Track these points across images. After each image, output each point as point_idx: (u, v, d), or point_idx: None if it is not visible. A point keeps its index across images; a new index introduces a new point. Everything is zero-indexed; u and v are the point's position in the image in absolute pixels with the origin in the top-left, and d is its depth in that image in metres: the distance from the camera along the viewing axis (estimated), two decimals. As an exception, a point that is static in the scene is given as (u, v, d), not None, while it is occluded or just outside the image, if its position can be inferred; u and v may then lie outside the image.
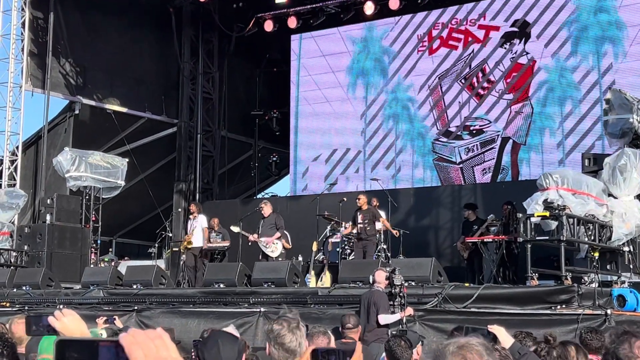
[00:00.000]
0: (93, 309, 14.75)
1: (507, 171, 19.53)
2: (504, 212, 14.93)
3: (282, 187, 31.46)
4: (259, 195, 25.22)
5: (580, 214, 12.18)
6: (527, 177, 18.67)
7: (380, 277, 11.18)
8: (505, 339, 5.67)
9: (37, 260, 18.24)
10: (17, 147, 21.03)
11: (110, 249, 23.14)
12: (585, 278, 12.07)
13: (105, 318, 10.18)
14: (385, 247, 15.90)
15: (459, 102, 20.33)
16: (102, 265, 19.37)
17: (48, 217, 18.65)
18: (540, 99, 19.32)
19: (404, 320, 10.81)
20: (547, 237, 12.12)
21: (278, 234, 16.10)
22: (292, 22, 21.78)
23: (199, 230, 17.14)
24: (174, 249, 20.50)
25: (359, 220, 15.70)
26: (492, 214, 15.34)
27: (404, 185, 20.64)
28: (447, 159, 20.40)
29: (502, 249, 14.22)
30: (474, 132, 20.10)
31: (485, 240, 14.69)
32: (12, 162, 20.97)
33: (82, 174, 18.90)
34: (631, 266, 12.66)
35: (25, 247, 18.43)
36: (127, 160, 20.28)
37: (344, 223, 16.75)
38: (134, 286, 15.38)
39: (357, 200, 16.05)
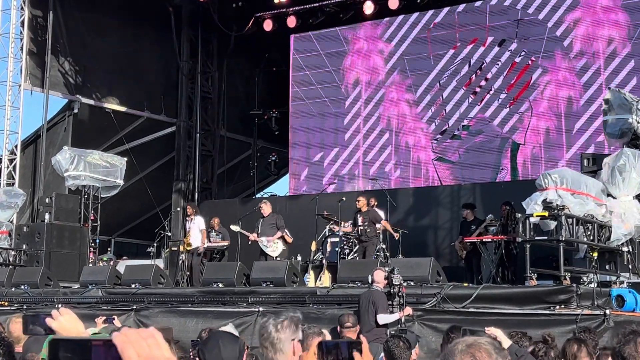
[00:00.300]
0: (91, 308, 14.76)
1: (505, 171, 19.52)
2: (503, 212, 14.92)
3: (281, 187, 31.52)
4: (258, 195, 25.20)
5: (579, 214, 12.16)
6: (526, 177, 18.66)
7: (379, 276, 11.17)
8: (503, 340, 5.67)
9: (35, 259, 18.23)
10: (16, 146, 21.01)
11: (109, 248, 23.12)
12: (584, 278, 12.06)
13: (104, 318, 10.16)
14: (384, 246, 15.90)
15: (457, 101, 20.30)
16: (101, 264, 19.36)
17: (47, 216, 18.64)
18: (537, 101, 19.29)
19: (403, 320, 10.81)
20: (546, 237, 12.10)
21: (279, 234, 16.11)
22: (291, 22, 21.77)
23: (196, 232, 17.10)
24: (173, 249, 20.50)
25: (359, 222, 15.70)
26: (491, 214, 15.33)
27: (403, 184, 20.64)
28: (446, 158, 20.39)
29: (501, 249, 14.21)
30: (473, 131, 20.09)
31: (484, 240, 14.67)
32: (11, 161, 20.96)
33: (81, 173, 18.90)
34: (630, 266, 12.65)
35: (24, 246, 18.42)
36: (126, 159, 20.28)
37: (343, 222, 16.74)
38: (133, 285, 15.38)
39: (357, 202, 16.06)
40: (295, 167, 22.83)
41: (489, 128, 19.90)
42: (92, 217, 19.27)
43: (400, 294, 10.89)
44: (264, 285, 13.79)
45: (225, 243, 18.06)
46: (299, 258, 17.36)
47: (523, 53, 19.58)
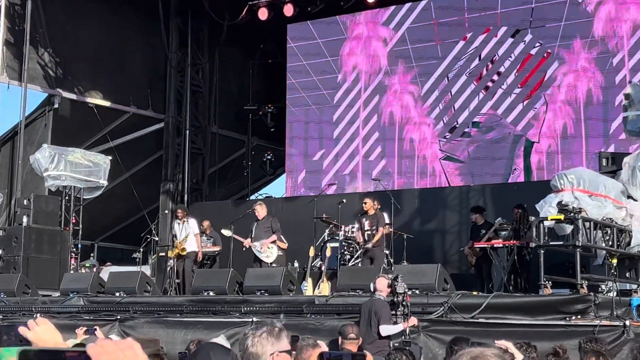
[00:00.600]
0: (72, 318, 14.78)
1: (518, 171, 19.53)
2: (515, 215, 14.93)
3: (277, 188, 31.51)
4: (252, 197, 25.18)
5: (597, 218, 12.16)
6: (541, 178, 18.67)
7: (381, 284, 11.19)
8: (515, 354, 5.68)
9: (12, 266, 18.21)
10: (-8, 144, 21.04)
11: (92, 254, 23.12)
12: (603, 286, 12.07)
13: (85, 328, 10.16)
14: (387, 252, 15.90)
15: (467, 96, 20.32)
16: (83, 271, 19.34)
17: (25, 219, 18.62)
18: (554, 92, 19.29)
19: (407, 332, 10.82)
20: (561, 243, 12.11)
21: (274, 237, 16.10)
22: (288, 10, 21.75)
23: (190, 236, 17.05)
24: (161, 254, 20.48)
25: (366, 227, 15.67)
26: (500, 217, 15.32)
27: (408, 185, 20.65)
28: (455, 157, 20.40)
29: (513, 255, 14.22)
30: (483, 128, 20.10)
31: (495, 245, 14.68)
32: (-14, 159, 20.97)
33: (62, 173, 18.89)
34: (652, 274, 12.67)
35: (0, 252, 18.41)
36: (110, 158, 20.26)
37: (343, 227, 16.74)
38: (117, 294, 15.40)
39: (363, 204, 16.01)
40: (292, 167, 22.84)
41: (500, 125, 19.91)
42: (74, 220, 19.25)
43: (404, 303, 10.91)
44: (258, 293, 13.80)
45: (217, 248, 18.07)
46: (296, 264, 17.36)
47: (538, 45, 19.56)
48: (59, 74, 21.93)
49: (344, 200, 17.61)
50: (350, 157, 21.78)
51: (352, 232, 16.49)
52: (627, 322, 10.43)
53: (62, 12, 21.87)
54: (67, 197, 19.36)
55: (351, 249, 16.44)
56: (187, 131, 23.77)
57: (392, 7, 21.55)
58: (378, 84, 21.67)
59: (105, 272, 18.26)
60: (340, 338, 10.06)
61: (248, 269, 14.80)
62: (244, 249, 16.37)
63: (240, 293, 14.15)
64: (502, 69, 20.00)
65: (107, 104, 22.78)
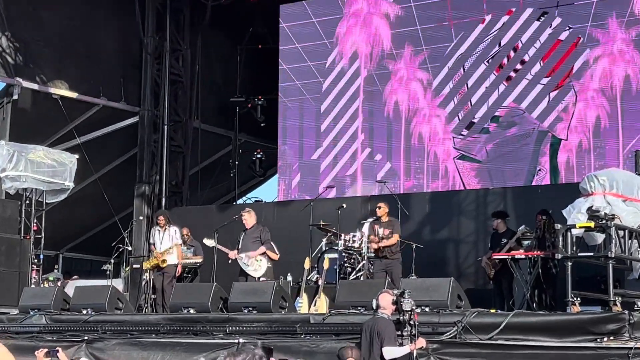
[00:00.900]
0: (33, 339, 14.77)
1: (544, 172, 19.53)
2: (539, 223, 14.91)
3: (267, 191, 31.54)
4: (240, 201, 25.25)
5: (633, 225, 12.15)
6: (569, 180, 18.66)
7: (385, 301, 11.15)
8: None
9: (-35, 279, 18.23)
10: (-58, 140, 21.01)
11: (56, 266, 23.12)
12: (639, 304, 12.04)
13: (45, 350, 10.13)
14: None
15: (486, 87, 20.32)
16: (46, 285, 19.35)
17: (-21, 226, 18.65)
18: (585, 79, 19.25)
19: (415, 355, 10.79)
20: (591, 254, 12.10)
21: (262, 249, 16.07)
22: (280, -12, 21.85)
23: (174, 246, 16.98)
24: (134, 266, 20.49)
25: (382, 235, 15.62)
26: (524, 225, 15.31)
27: (417, 188, 20.64)
28: (471, 156, 20.40)
29: (537, 268, 14.19)
30: (504, 123, 20.09)
31: (516, 256, 14.66)
32: (-64, 158, 20.93)
33: (22, 174, 18.87)
34: (695, 289, 12.65)
35: (-49, 263, 18.41)
36: (77, 156, 20.26)
37: (343, 235, 16.73)
38: (84, 311, 15.38)
39: (377, 209, 15.95)
40: (285, 167, 22.84)
41: (523, 119, 19.90)
42: (35, 228, 19.23)
43: (411, 322, 10.87)
44: (246, 311, 13.79)
45: (198, 259, 18.04)
46: (290, 278, 17.34)
47: (568, 29, 19.51)
48: (18, 61, 21.91)
49: (344, 205, 17.60)
50: (351, 155, 21.76)
51: (354, 241, 16.46)
52: (667, 344, 10.41)
53: (23, -10, 21.88)
54: (27, 201, 19.33)
55: (352, 260, 16.42)
56: (166, 126, 23.78)
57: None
58: (381, 69, 21.63)
59: (71, 287, 18.25)
60: (338, 363, 10.06)
61: (234, 283, 14.78)
62: (229, 261, 16.33)
63: (225, 310, 14.14)
64: (526, 57, 19.95)
65: (73, 95, 22.78)
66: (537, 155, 19.69)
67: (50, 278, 20.53)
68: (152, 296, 17.04)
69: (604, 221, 11.72)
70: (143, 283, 18.05)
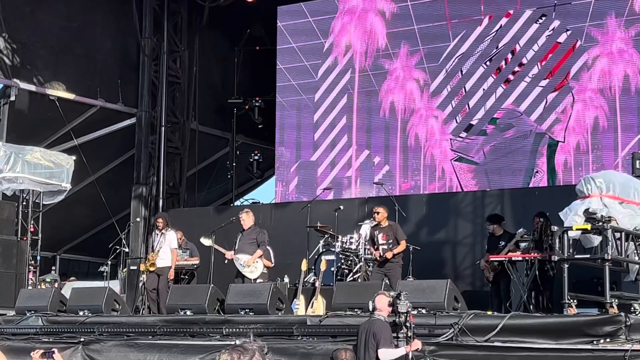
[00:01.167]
0: (30, 340, 14.76)
1: (541, 174, 19.54)
2: (536, 225, 14.92)
3: (265, 192, 31.44)
4: (237, 202, 25.22)
5: (629, 228, 12.15)
6: (568, 181, 18.67)
7: (381, 303, 11.16)
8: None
9: (-39, 281, 18.22)
10: (-61, 141, 21.01)
11: (53, 267, 23.11)
12: (636, 306, 12.04)
13: (42, 351, 10.13)
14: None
15: (484, 90, 20.32)
16: (42, 286, 19.34)
17: (-25, 227, 18.65)
18: (583, 79, 19.22)
19: (411, 356, 10.80)
20: (588, 256, 12.10)
21: (260, 252, 16.08)
22: (278, -10, 21.87)
23: (166, 249, 16.97)
24: (132, 268, 20.48)
25: (381, 241, 15.55)
26: (523, 228, 15.32)
27: (415, 190, 20.64)
28: (468, 158, 20.40)
29: (534, 270, 14.20)
30: (501, 125, 20.10)
31: (513, 258, 14.67)
32: None
33: (18, 175, 18.86)
34: (692, 291, 12.66)
35: (-53, 265, 18.40)
36: (74, 158, 20.25)
37: (340, 237, 16.73)
38: (81, 313, 15.35)
39: (375, 215, 15.84)
40: (282, 169, 22.84)
41: (520, 121, 19.91)
42: (32, 229, 19.23)
43: (407, 324, 10.88)
44: (242, 313, 13.78)
45: (195, 261, 18.03)
46: (286, 280, 17.34)
47: (566, 30, 19.48)
48: (16, 62, 21.90)
49: (341, 207, 17.60)
50: (348, 156, 21.75)
51: (351, 242, 16.46)
52: (663, 347, 10.43)
53: (20, -9, 21.88)
54: (24, 203, 19.33)
55: (349, 262, 16.42)
56: (163, 128, 23.76)
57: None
58: (377, 68, 21.62)
59: (68, 288, 18.25)
60: (333, 364, 10.07)
61: (230, 284, 14.78)
62: (225, 261, 16.34)
63: (222, 312, 14.12)
64: (524, 60, 19.93)
65: (70, 96, 22.76)
66: (534, 157, 19.71)
67: (47, 279, 20.52)
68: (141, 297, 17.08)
69: (600, 223, 11.72)
70: (140, 285, 18.03)
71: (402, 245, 15.49)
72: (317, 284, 16.13)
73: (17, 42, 21.92)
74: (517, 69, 20.03)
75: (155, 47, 23.89)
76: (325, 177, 21.96)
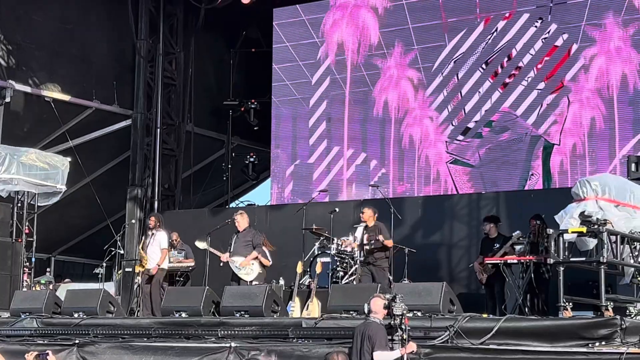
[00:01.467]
0: (24, 342, 14.71)
1: (536, 177, 19.53)
2: (532, 228, 14.91)
3: (260, 194, 31.43)
4: (233, 204, 25.21)
5: (625, 231, 12.16)
6: (563, 184, 18.65)
7: (376, 305, 11.15)
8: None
9: (-44, 283, 18.20)
10: None
11: (48, 269, 23.09)
12: (631, 309, 12.06)
13: (36, 353, 10.15)
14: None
15: (480, 93, 20.30)
16: (37, 288, 19.32)
17: (-30, 229, 18.63)
18: (580, 84, 19.19)
19: (406, 359, 10.79)
20: (583, 259, 12.10)
21: (255, 254, 16.08)
22: (274, -9, 21.87)
23: (156, 250, 16.96)
24: (127, 270, 20.46)
25: (365, 241, 15.62)
26: (519, 230, 15.32)
27: (410, 192, 20.64)
28: (464, 160, 20.40)
29: (529, 273, 14.20)
30: (497, 128, 20.09)
31: (508, 261, 14.67)
32: None
33: (14, 176, 18.85)
34: (687, 295, 12.67)
35: (-59, 267, 18.39)
36: (69, 159, 20.25)
37: (335, 239, 16.73)
38: (76, 315, 15.33)
39: (361, 215, 15.95)
40: (278, 171, 22.82)
41: (516, 124, 19.91)
42: (27, 231, 19.21)
43: (402, 326, 10.87)
44: (238, 315, 13.76)
45: (190, 263, 18.02)
46: (282, 282, 17.34)
47: (563, 33, 19.45)
48: (11, 63, 21.89)
49: (337, 209, 17.58)
50: (343, 158, 21.71)
51: (346, 245, 16.45)
52: (659, 350, 10.43)
53: (15, -7, 21.86)
54: (19, 204, 19.32)
55: (345, 264, 16.41)
56: (158, 129, 23.74)
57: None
58: (370, 68, 21.59)
59: (63, 290, 18.24)
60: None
61: (226, 287, 14.74)
62: (221, 264, 16.33)
63: (217, 314, 14.10)
64: (521, 63, 19.89)
65: (66, 97, 22.75)
66: (529, 160, 19.70)
67: (42, 281, 20.49)
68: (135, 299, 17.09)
69: (596, 226, 11.72)
70: (135, 287, 18.02)
71: (389, 242, 15.55)
72: (312, 286, 16.14)
73: (13, 44, 21.92)
74: (513, 72, 20.00)
75: (150, 49, 23.88)
76: (320, 179, 21.94)
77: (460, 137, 20.42)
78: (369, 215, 15.85)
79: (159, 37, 23.88)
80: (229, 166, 24.49)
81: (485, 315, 12.93)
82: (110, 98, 23.50)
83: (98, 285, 18.56)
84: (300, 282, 16.60)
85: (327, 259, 16.70)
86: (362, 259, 15.82)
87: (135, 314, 16.99)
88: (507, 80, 20.02)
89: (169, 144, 24.08)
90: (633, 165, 13.81)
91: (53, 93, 22.52)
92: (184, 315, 14.26)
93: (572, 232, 11.84)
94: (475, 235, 17.94)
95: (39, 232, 19.53)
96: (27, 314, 15.73)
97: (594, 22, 19.08)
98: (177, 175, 24.26)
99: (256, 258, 16.10)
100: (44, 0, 22.32)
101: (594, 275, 12.33)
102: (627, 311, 12.00)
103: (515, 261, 14.50)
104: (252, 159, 24.39)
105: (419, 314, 12.05)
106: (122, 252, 20.69)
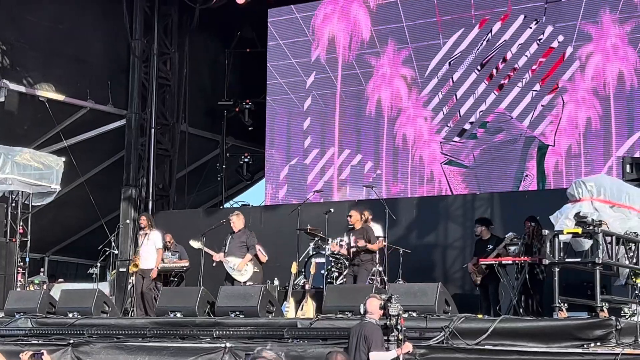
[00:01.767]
0: (19, 342, 14.69)
1: (531, 177, 19.54)
2: (527, 229, 14.94)
3: (255, 195, 31.42)
4: (227, 205, 25.18)
5: (620, 231, 12.19)
6: (558, 185, 18.67)
7: (372, 306, 11.17)
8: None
9: (-50, 282, 18.17)
10: None
11: (42, 269, 23.07)
12: (626, 310, 12.08)
13: (31, 353, 10.13)
14: (381, 269, 15.88)
15: (475, 95, 20.26)
16: (31, 288, 19.29)
17: (-36, 229, 18.60)
18: (575, 83, 19.16)
19: (401, 359, 10.79)
20: (579, 260, 12.12)
21: (249, 256, 16.09)
22: (269, -8, 21.87)
23: (151, 250, 16.97)
24: (121, 270, 20.43)
25: (352, 243, 15.65)
26: (511, 232, 15.33)
27: (404, 193, 20.64)
28: (458, 161, 20.41)
29: (524, 274, 14.22)
30: (491, 129, 20.09)
31: (503, 262, 14.68)
32: None
33: (8, 176, 18.81)
34: (682, 296, 12.69)
35: None
36: (63, 159, 20.21)
37: (330, 239, 16.73)
38: (70, 315, 15.32)
39: (348, 218, 15.97)
40: (272, 171, 22.81)
41: (510, 125, 19.92)
42: (21, 230, 19.18)
43: (398, 327, 10.88)
44: (233, 315, 13.76)
45: (184, 263, 18.02)
46: (276, 282, 17.32)
47: (560, 37, 19.43)
48: (5, 63, 21.86)
49: (332, 210, 17.57)
50: (338, 158, 21.70)
51: (341, 246, 16.46)
52: (654, 350, 10.45)
53: (9, -8, 21.83)
54: (13, 204, 19.27)
55: (339, 265, 16.42)
56: (153, 130, 23.70)
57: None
58: (362, 62, 21.57)
59: (57, 290, 18.21)
60: (325, 367, 10.04)
61: (221, 287, 14.76)
62: (214, 264, 16.33)
63: (212, 315, 14.10)
64: (516, 65, 19.86)
65: (60, 97, 22.72)
66: (524, 161, 19.70)
67: (36, 281, 20.44)
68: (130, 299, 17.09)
69: (591, 227, 11.75)
70: (129, 287, 18.01)
71: (373, 246, 15.56)
72: (307, 287, 16.16)
73: (7, 43, 21.89)
74: (509, 73, 19.98)
75: (145, 49, 23.84)
76: (315, 179, 21.93)
77: (456, 139, 20.41)
78: (356, 219, 15.88)
79: (154, 37, 23.84)
80: (224, 166, 24.45)
81: (480, 316, 12.96)
82: (105, 98, 23.47)
83: (92, 285, 18.55)
84: (295, 282, 16.61)
85: (322, 260, 16.72)
86: (349, 261, 15.84)
87: (130, 314, 16.98)
88: (503, 81, 20.00)
89: (164, 144, 24.05)
90: (628, 166, 13.83)
91: (47, 93, 22.49)
92: (179, 315, 14.26)
93: (568, 233, 11.88)
94: (469, 236, 17.94)
95: (33, 232, 19.49)
96: (22, 313, 15.71)
97: (590, 20, 19.00)
98: (171, 176, 24.23)
99: (251, 260, 16.11)
100: (39, 0, 22.27)
101: (588, 276, 12.37)
102: (622, 312, 12.03)
103: (510, 262, 14.54)
104: (246, 160, 24.36)
105: (414, 314, 12.06)
106: (116, 252, 20.66)
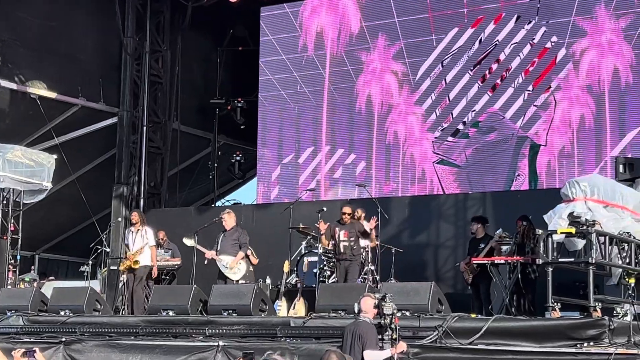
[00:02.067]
0: (10, 340, 14.64)
1: (523, 177, 19.56)
2: (519, 228, 14.94)
3: (247, 193, 31.48)
4: (219, 203, 25.17)
5: (614, 231, 12.19)
6: (551, 185, 18.70)
7: (367, 305, 11.17)
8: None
9: (-60, 280, 18.12)
10: None
11: (33, 267, 23.02)
12: (619, 309, 12.08)
13: (23, 350, 10.10)
14: (373, 268, 15.88)
15: (468, 96, 20.27)
16: (22, 286, 19.25)
17: (-45, 226, 18.56)
18: (569, 80, 19.16)
19: (396, 358, 10.79)
20: (572, 259, 12.11)
21: (242, 254, 16.09)
22: (262, -10, 21.86)
23: (145, 248, 16.94)
24: (112, 268, 20.40)
25: (342, 238, 15.60)
26: (501, 229, 15.32)
27: (396, 192, 20.64)
28: (450, 161, 20.42)
29: (516, 273, 14.23)
30: (483, 128, 20.10)
31: (495, 261, 14.69)
32: None
33: (-1, 173, 18.78)
34: (674, 296, 12.71)
35: None
36: (55, 157, 20.16)
37: (322, 238, 16.73)
38: (62, 312, 15.29)
39: (343, 215, 15.92)
40: (264, 169, 22.80)
41: (502, 124, 19.93)
42: (12, 228, 19.13)
43: (392, 326, 10.89)
44: (225, 314, 13.75)
45: (177, 261, 18.01)
46: (269, 281, 17.33)
47: (554, 38, 19.42)
48: (-4, 60, 21.83)
49: (324, 209, 17.57)
50: (331, 159, 21.71)
51: (333, 244, 16.44)
52: (646, 350, 10.47)
53: (0, -12, 21.77)
54: (4, 201, 19.23)
55: (331, 263, 16.41)
56: (145, 127, 23.68)
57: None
58: (351, 57, 21.56)
59: (48, 288, 18.16)
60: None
61: (213, 285, 14.76)
62: (205, 262, 16.31)
63: (205, 313, 14.09)
64: (509, 65, 19.86)
65: (52, 95, 22.68)
66: (516, 160, 19.71)
67: (27, 279, 20.40)
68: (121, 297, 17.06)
69: (584, 227, 11.74)
70: (120, 285, 17.97)
71: (371, 234, 15.57)
72: (299, 286, 16.16)
73: (-2, 40, 21.85)
74: (502, 74, 19.97)
75: (137, 47, 23.82)
76: (307, 177, 21.91)
77: (450, 139, 20.41)
78: (348, 215, 15.75)
79: (146, 34, 23.82)
80: (215, 165, 24.46)
81: (473, 315, 12.97)
82: (97, 95, 23.43)
83: (84, 283, 18.52)
84: (287, 281, 16.63)
85: (314, 258, 16.72)
86: (338, 256, 15.74)
87: (121, 312, 16.95)
88: (496, 82, 20.00)
89: (155, 142, 24.03)
90: (621, 166, 13.83)
91: (39, 90, 22.45)
92: (171, 313, 14.24)
93: (561, 233, 11.87)
94: (461, 235, 17.97)
95: (24, 230, 19.43)
96: (13, 311, 15.66)
97: (585, 15, 18.91)
98: (163, 173, 24.21)
99: (244, 258, 16.11)
100: (30, -4, 22.26)
101: (580, 276, 12.38)
102: (615, 312, 12.03)
103: (503, 261, 14.55)
104: (238, 158, 24.38)
105: (408, 313, 12.06)
106: (107, 250, 20.66)
